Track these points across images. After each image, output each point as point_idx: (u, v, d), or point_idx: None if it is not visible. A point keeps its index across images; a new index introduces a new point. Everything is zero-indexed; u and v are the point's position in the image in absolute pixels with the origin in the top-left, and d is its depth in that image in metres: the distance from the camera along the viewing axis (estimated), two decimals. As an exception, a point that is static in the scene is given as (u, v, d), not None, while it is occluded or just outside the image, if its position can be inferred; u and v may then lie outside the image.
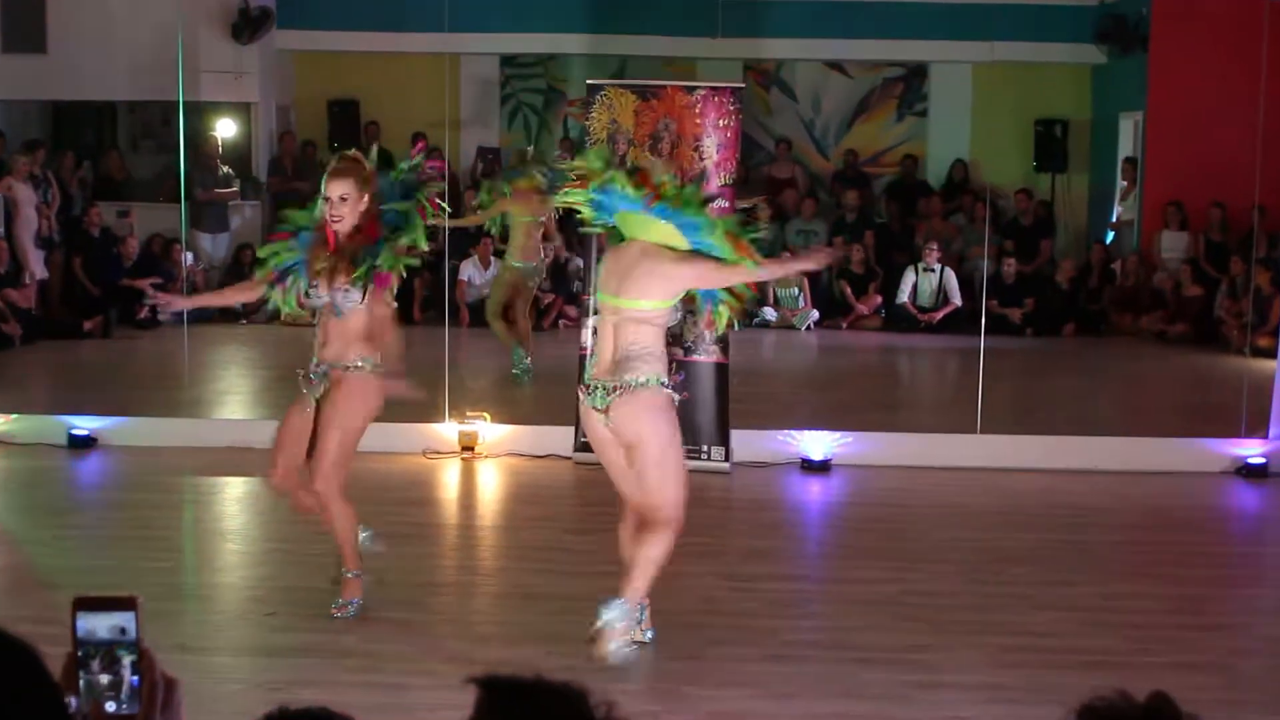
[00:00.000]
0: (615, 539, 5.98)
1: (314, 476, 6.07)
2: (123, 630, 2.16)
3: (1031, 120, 17.21)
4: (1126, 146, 16.73)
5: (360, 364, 6.08)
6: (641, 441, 5.61)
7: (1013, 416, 10.45)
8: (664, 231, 5.61)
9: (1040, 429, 10.04)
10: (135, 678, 2.16)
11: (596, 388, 5.66)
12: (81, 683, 2.14)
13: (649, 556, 5.62)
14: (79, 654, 2.15)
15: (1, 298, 13.43)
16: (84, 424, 9.63)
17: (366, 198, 6.04)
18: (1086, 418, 10.94)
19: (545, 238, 12.07)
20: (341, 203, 6.00)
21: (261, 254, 6.50)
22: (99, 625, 2.16)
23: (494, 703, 1.87)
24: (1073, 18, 16.77)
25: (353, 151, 6.29)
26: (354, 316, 6.05)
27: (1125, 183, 16.51)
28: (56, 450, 9.44)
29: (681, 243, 5.63)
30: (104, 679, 2.14)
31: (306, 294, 6.16)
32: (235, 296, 7.82)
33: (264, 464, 6.54)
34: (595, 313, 6.55)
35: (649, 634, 5.93)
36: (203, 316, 13.39)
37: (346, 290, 6.01)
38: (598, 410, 5.64)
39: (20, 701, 1.94)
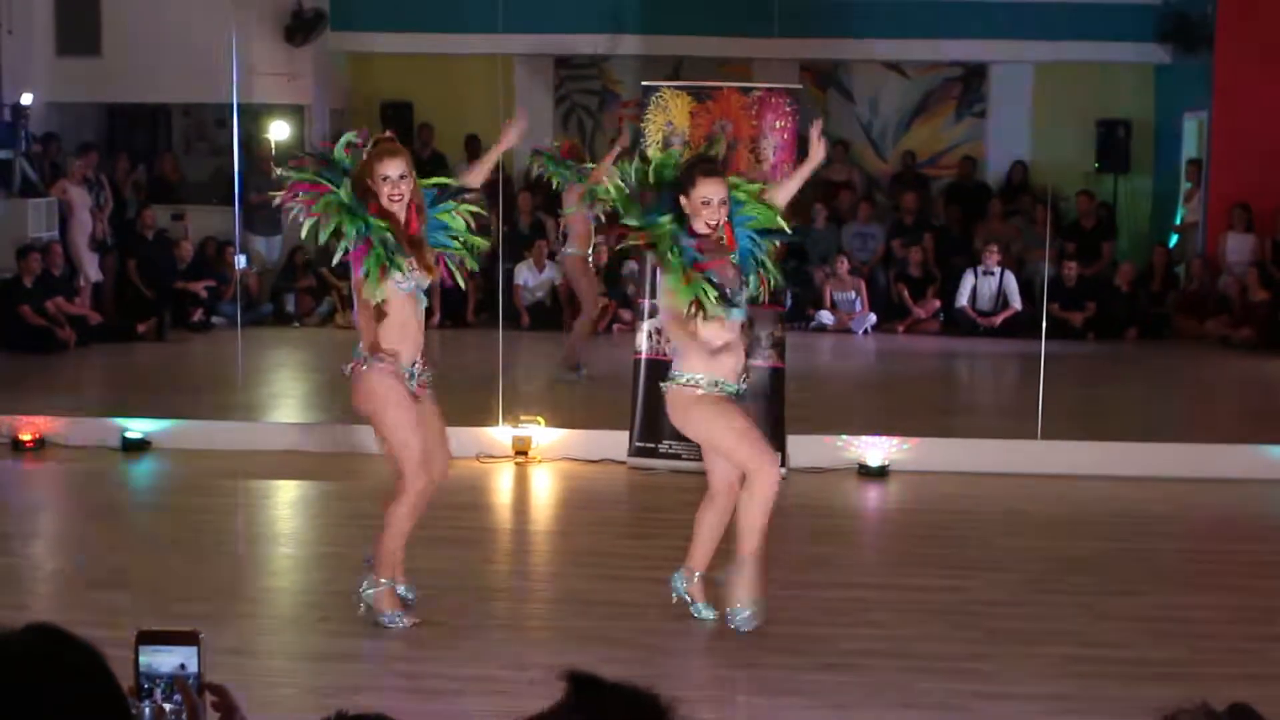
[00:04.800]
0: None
1: (447, 463, 6.23)
2: (182, 665, 2.20)
3: (1093, 121, 17.10)
4: (1191, 148, 16.58)
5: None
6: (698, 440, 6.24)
7: (1074, 422, 10.36)
8: None
9: (1102, 435, 9.96)
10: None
11: None
12: (146, 711, 2.18)
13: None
14: (141, 686, 2.19)
15: (55, 301, 13.58)
16: (138, 427, 9.72)
17: (414, 179, 6.00)
18: (1150, 424, 10.84)
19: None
20: (401, 181, 5.91)
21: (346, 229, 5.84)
22: (161, 660, 2.20)
23: (581, 699, 1.87)
24: (1136, 17, 16.64)
25: (387, 132, 6.27)
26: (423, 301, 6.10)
27: (1190, 184, 16.36)
28: (110, 453, 9.53)
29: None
30: (166, 707, 2.19)
31: (396, 276, 5.89)
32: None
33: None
34: (651, 315, 6.56)
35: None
36: (256, 319, 13.49)
37: (424, 276, 6.02)
38: None
39: (87, 704, 1.96)
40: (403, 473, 6.01)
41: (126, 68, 15.99)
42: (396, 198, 5.90)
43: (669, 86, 9.56)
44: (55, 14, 16.20)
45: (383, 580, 6.13)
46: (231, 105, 12.08)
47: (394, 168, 5.90)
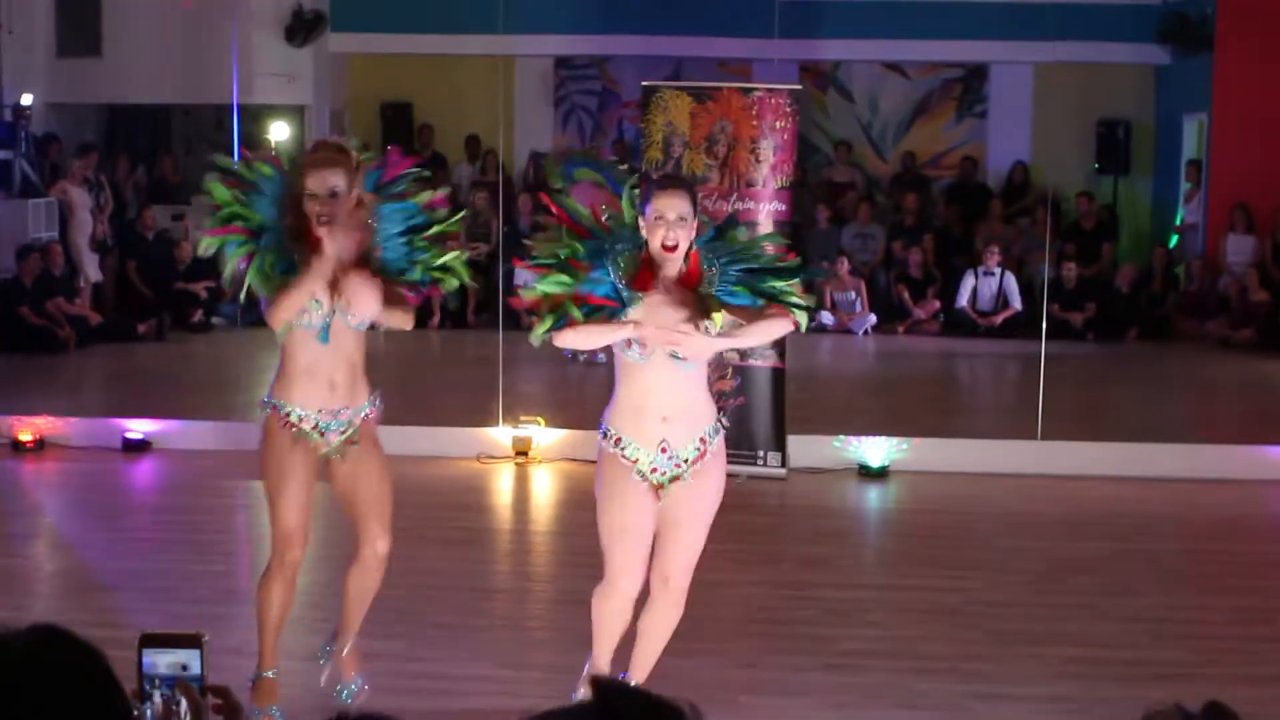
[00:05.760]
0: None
1: (385, 533, 5.20)
2: (184, 667, 2.22)
3: (1093, 122, 17.11)
4: (1191, 148, 16.59)
5: (378, 403, 5.23)
6: None
7: (1074, 423, 10.37)
8: None
9: (1103, 435, 9.96)
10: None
11: None
12: (148, 713, 2.19)
13: None
14: (144, 687, 2.21)
15: (55, 302, 13.58)
16: (138, 428, 9.72)
17: (356, 192, 5.00)
18: (1150, 424, 10.84)
19: None
20: (332, 198, 4.90)
21: (251, 275, 5.09)
22: (162, 661, 2.22)
23: (604, 705, 1.88)
24: (1136, 17, 16.64)
25: (334, 139, 5.47)
26: (358, 343, 5.14)
27: (1190, 185, 16.37)
28: (110, 454, 9.53)
29: None
30: (170, 708, 2.20)
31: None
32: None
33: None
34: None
35: None
36: (256, 320, 13.49)
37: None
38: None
39: (89, 706, 1.97)
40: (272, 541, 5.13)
41: (127, 68, 15.99)
42: (325, 218, 4.85)
43: (669, 87, 9.57)
44: (55, 15, 16.20)
45: (262, 673, 5.26)
46: (232, 106, 12.09)
47: (323, 181, 4.90)
